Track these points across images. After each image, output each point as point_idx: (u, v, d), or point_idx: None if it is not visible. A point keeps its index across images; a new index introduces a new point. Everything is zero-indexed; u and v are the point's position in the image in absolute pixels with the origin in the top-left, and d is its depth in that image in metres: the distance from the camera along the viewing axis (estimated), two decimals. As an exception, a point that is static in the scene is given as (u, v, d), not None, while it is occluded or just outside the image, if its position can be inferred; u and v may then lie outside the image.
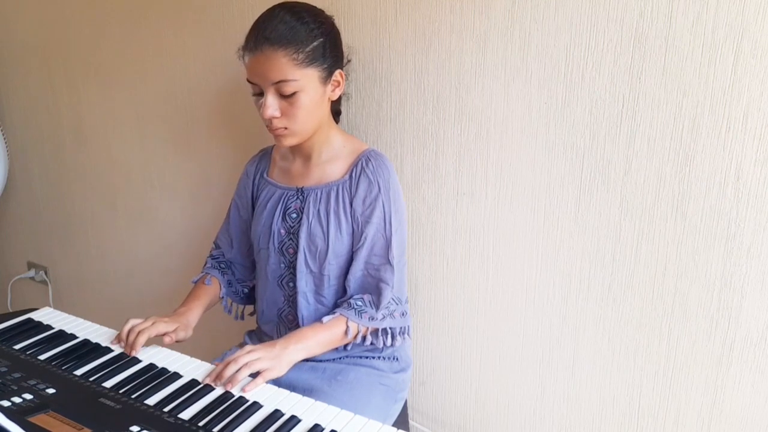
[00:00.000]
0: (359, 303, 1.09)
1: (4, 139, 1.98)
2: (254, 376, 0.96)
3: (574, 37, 1.04)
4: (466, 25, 1.12)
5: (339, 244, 1.11)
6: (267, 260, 1.18)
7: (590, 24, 1.02)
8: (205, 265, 1.28)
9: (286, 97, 1.03)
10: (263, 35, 1.00)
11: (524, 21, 1.07)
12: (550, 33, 1.05)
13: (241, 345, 1.25)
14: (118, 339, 1.06)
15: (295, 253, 1.14)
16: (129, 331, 1.05)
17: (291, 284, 1.16)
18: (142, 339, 1.03)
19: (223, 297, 1.25)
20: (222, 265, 1.27)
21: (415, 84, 1.21)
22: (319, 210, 1.12)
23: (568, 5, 1.03)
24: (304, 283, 1.14)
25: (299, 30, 1.01)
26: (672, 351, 1.09)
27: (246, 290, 1.30)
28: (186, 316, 1.13)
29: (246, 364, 0.95)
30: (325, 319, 1.08)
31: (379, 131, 1.28)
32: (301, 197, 1.14)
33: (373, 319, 1.09)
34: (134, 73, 1.64)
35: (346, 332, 1.07)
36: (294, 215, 1.14)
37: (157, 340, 1.07)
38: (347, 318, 1.08)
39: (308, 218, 1.12)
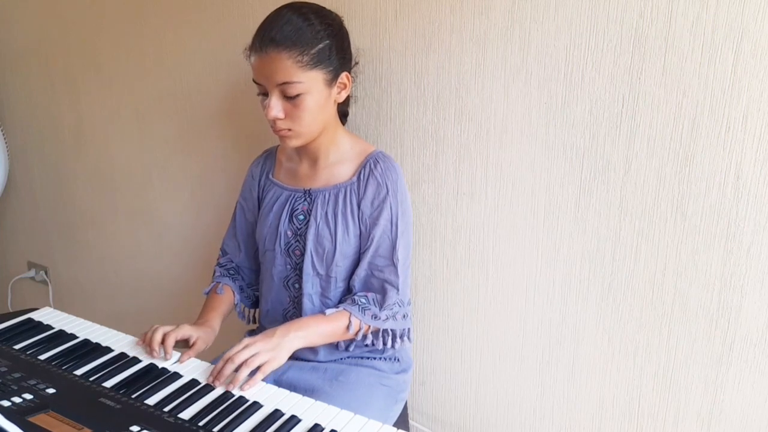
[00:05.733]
0: (363, 300, 1.09)
1: (5, 138, 1.98)
2: (254, 371, 0.96)
3: (574, 37, 1.04)
4: (465, 26, 1.12)
5: (346, 246, 1.11)
6: (273, 261, 1.17)
7: (590, 24, 1.02)
8: (213, 274, 1.27)
9: (291, 99, 1.02)
10: (269, 36, 0.99)
11: (524, 21, 1.07)
12: (550, 33, 1.05)
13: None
14: (145, 344, 1.05)
15: (302, 254, 1.13)
16: (154, 334, 1.03)
17: (297, 285, 1.16)
18: (171, 341, 1.03)
19: (237, 304, 1.24)
20: (231, 272, 1.26)
21: (415, 84, 1.21)
22: (326, 212, 1.11)
23: (568, 5, 1.03)
24: (310, 285, 1.14)
25: (305, 31, 1.00)
26: (672, 351, 1.09)
27: (256, 293, 1.29)
28: (207, 325, 1.13)
29: (245, 362, 0.95)
30: (329, 311, 1.07)
31: (379, 131, 1.28)
32: (308, 199, 1.14)
33: (375, 317, 1.09)
34: (134, 73, 1.64)
35: (347, 327, 1.07)
36: (301, 217, 1.14)
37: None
38: (350, 313, 1.07)
39: (316, 220, 1.11)
